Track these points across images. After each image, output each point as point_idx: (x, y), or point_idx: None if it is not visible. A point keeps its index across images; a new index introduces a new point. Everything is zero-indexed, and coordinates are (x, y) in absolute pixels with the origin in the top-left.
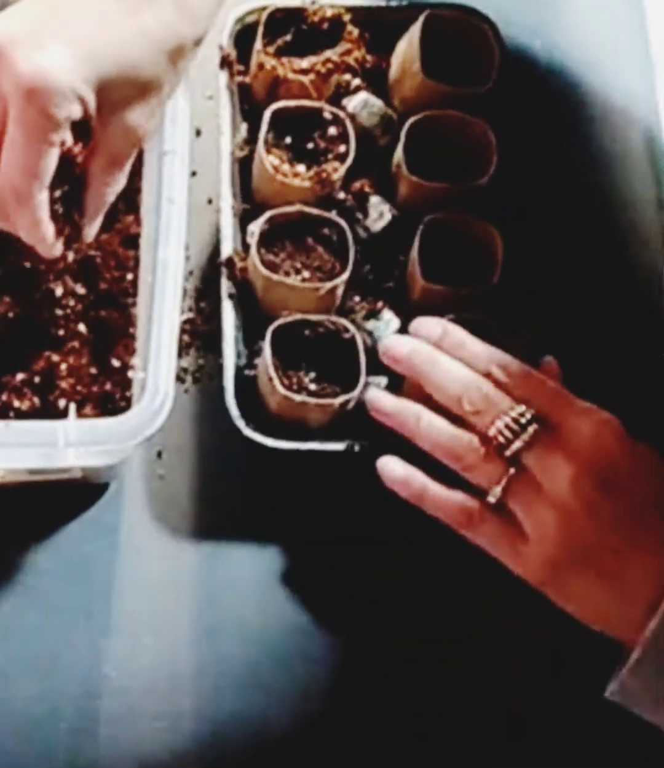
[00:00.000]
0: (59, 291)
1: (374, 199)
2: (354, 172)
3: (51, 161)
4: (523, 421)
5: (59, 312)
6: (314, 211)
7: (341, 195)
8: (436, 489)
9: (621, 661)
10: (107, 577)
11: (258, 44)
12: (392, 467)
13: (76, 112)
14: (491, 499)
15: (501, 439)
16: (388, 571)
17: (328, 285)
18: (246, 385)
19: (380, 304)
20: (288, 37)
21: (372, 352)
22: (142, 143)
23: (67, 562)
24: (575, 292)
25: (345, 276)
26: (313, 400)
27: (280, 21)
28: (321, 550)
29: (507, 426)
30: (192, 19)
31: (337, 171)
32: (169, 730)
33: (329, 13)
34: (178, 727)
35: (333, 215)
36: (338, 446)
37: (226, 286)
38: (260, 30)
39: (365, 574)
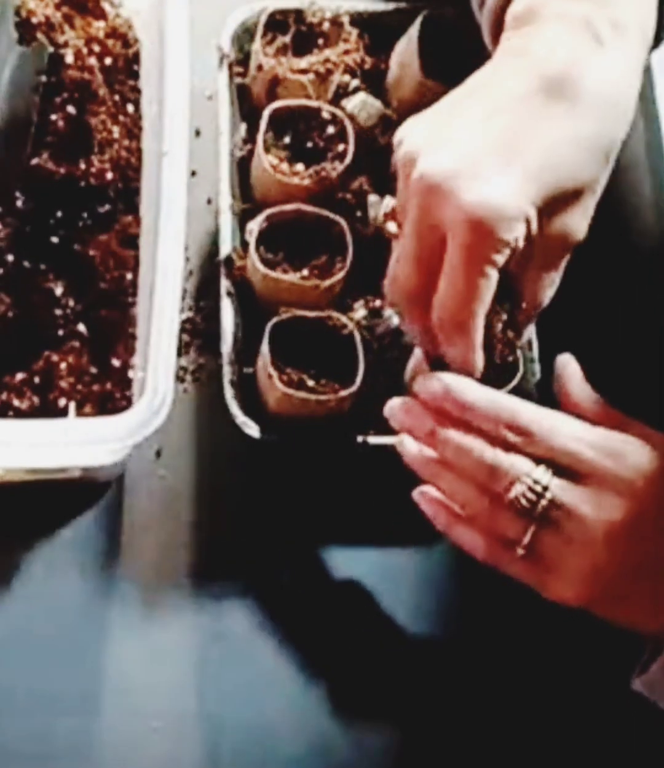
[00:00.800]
0: (59, 291)
1: (373, 198)
2: (353, 171)
3: (492, 284)
4: (541, 486)
5: (59, 312)
6: (313, 209)
7: (340, 194)
8: (459, 529)
9: (648, 654)
10: (107, 577)
11: (257, 45)
12: (422, 502)
13: (521, 232)
14: (519, 552)
15: (521, 504)
16: (390, 569)
17: (327, 282)
18: (245, 383)
19: (378, 301)
20: (287, 38)
21: (370, 348)
22: (577, 244)
23: (68, 561)
24: (573, 293)
25: (343, 273)
26: (312, 397)
27: (279, 22)
28: (322, 549)
29: (525, 494)
30: (619, 115)
31: (335, 170)
32: (170, 730)
33: (328, 14)
34: (178, 727)
35: (331, 214)
36: (338, 442)
37: (225, 284)
38: (259, 30)
39: (367, 572)
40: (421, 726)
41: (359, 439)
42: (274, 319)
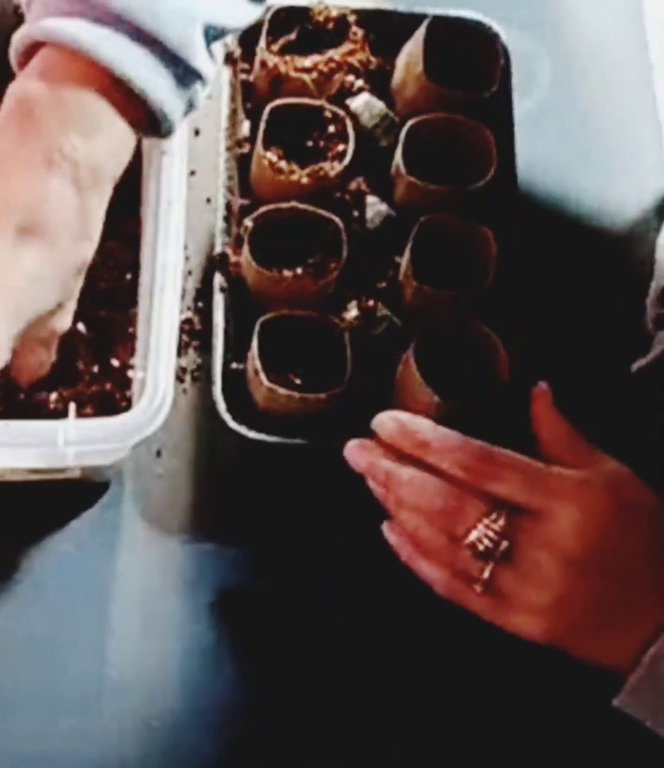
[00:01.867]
0: None
1: (371, 199)
2: (352, 171)
3: None
4: (498, 527)
5: None
6: (309, 207)
7: (338, 193)
8: (422, 564)
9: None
10: (107, 577)
11: (262, 42)
12: (388, 532)
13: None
14: (477, 588)
15: (480, 547)
16: (390, 568)
17: (320, 282)
18: (237, 380)
19: (372, 302)
20: (292, 36)
21: (360, 349)
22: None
23: (68, 561)
24: (570, 297)
25: (336, 273)
26: (298, 395)
27: (284, 20)
28: (322, 549)
29: (485, 535)
30: (85, 236)
31: (334, 169)
32: (169, 730)
33: (334, 13)
34: (178, 727)
35: (328, 213)
36: (324, 442)
37: (218, 280)
38: (264, 28)
39: (367, 572)
40: (420, 726)
41: (343, 439)
42: (265, 317)
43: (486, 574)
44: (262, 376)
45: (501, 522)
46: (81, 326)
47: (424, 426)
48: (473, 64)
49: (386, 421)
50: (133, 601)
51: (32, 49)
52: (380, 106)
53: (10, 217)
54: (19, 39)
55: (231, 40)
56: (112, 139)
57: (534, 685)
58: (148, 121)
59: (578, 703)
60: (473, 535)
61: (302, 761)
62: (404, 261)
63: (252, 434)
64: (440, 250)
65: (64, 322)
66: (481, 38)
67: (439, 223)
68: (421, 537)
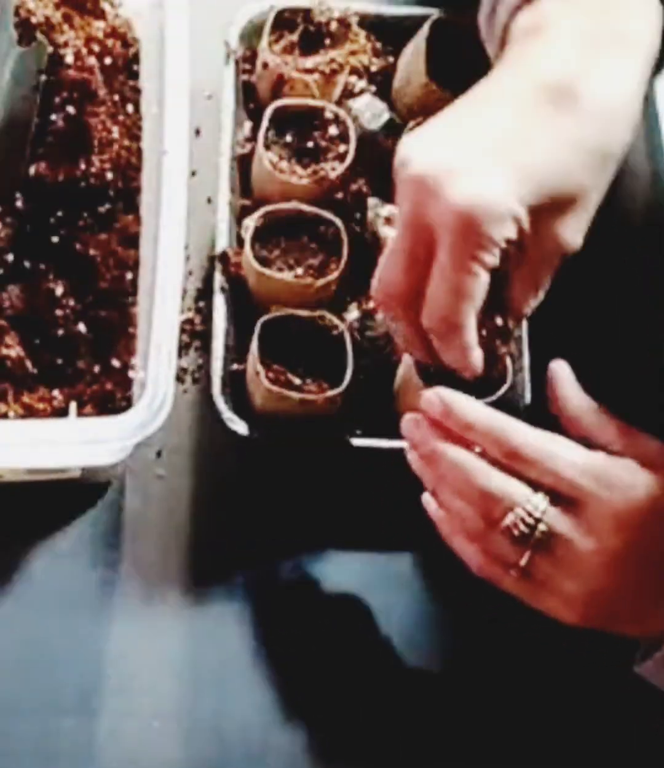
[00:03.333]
0: (59, 291)
1: (372, 201)
2: (354, 172)
3: (483, 283)
4: (538, 512)
5: (59, 312)
6: (310, 208)
7: (339, 194)
8: (460, 542)
9: (645, 646)
10: (107, 578)
11: (264, 42)
12: (428, 506)
13: (512, 232)
14: (513, 574)
15: (517, 531)
16: (389, 569)
17: (320, 282)
18: (237, 380)
19: (371, 303)
20: (294, 37)
21: (360, 350)
22: (568, 254)
23: (68, 561)
24: (570, 299)
25: (337, 274)
26: (296, 395)
27: (287, 20)
28: (322, 549)
29: (522, 520)
30: (620, 125)
31: (335, 170)
32: (169, 730)
33: (337, 14)
34: (178, 727)
35: (329, 214)
36: (323, 441)
37: (218, 279)
38: (267, 28)
39: (367, 572)
40: (420, 725)
41: (343, 440)
42: (265, 317)
43: (523, 561)
44: (262, 376)
45: (540, 508)
46: (81, 326)
47: (470, 407)
48: (475, 66)
49: (433, 400)
50: (133, 601)
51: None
52: (381, 107)
53: (545, 90)
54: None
55: (234, 40)
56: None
57: (539, 682)
58: None
59: (586, 711)
60: (508, 520)
61: (304, 762)
62: (406, 357)
63: (251, 434)
64: None
65: (573, 233)
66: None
67: None
68: (458, 518)
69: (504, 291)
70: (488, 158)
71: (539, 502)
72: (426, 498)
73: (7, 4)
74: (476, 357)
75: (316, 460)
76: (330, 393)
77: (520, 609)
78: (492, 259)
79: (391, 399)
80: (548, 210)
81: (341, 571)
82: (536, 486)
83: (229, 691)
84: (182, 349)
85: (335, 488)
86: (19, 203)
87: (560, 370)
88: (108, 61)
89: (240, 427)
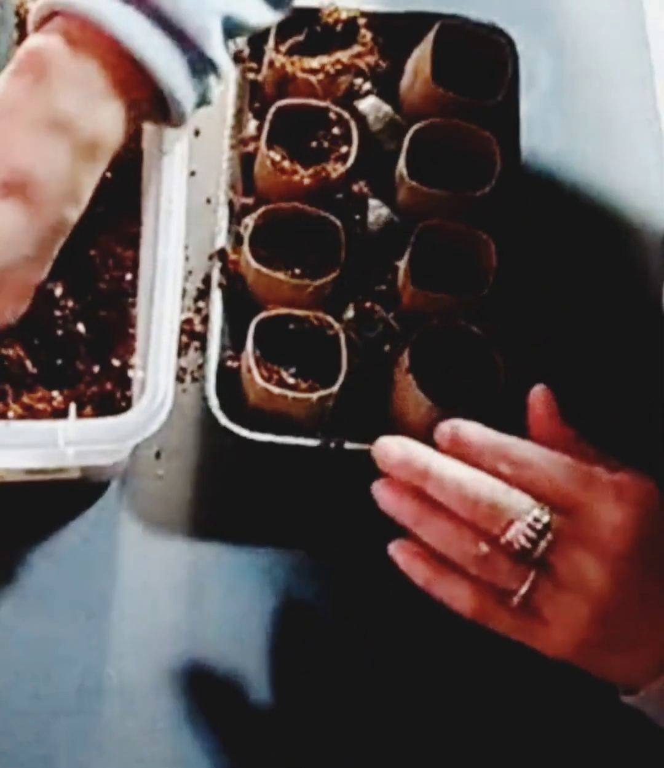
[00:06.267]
0: (59, 291)
1: (373, 202)
2: (356, 173)
3: None
4: (541, 525)
5: (59, 312)
6: (310, 208)
7: (340, 195)
8: (443, 584)
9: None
10: (107, 577)
11: (270, 42)
12: (396, 553)
13: None
14: (514, 602)
15: (518, 545)
16: (389, 569)
17: (317, 282)
18: (232, 378)
19: (369, 305)
20: (301, 37)
21: (355, 350)
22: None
23: (67, 562)
24: (572, 301)
25: (335, 274)
26: (289, 394)
27: (294, 20)
28: (322, 549)
29: (524, 533)
30: (71, 200)
31: (337, 171)
32: (169, 730)
33: (344, 15)
34: (178, 728)
35: (329, 214)
36: (313, 442)
37: (216, 277)
38: (273, 28)
39: (367, 573)
40: (420, 724)
41: (333, 442)
42: (261, 315)
43: (526, 586)
44: (256, 374)
45: (545, 518)
46: (81, 326)
47: (464, 425)
48: (482, 69)
49: (444, 430)
50: (133, 601)
51: (50, 18)
52: (386, 109)
53: (5, 174)
54: (38, 8)
55: (241, 39)
56: (116, 113)
57: (534, 692)
58: (158, 103)
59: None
60: (513, 531)
61: (304, 762)
62: (403, 265)
63: (247, 433)
64: (440, 255)
65: (36, 275)
66: (491, 43)
67: (439, 228)
68: (449, 546)
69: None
70: None
71: (542, 512)
72: (394, 546)
73: (8, 4)
74: None
75: (316, 460)
76: (323, 392)
77: None
78: None
79: (385, 401)
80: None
81: (340, 570)
82: (536, 498)
83: (229, 692)
84: (182, 349)
85: (337, 488)
86: None
87: (541, 398)
88: None
89: (233, 425)
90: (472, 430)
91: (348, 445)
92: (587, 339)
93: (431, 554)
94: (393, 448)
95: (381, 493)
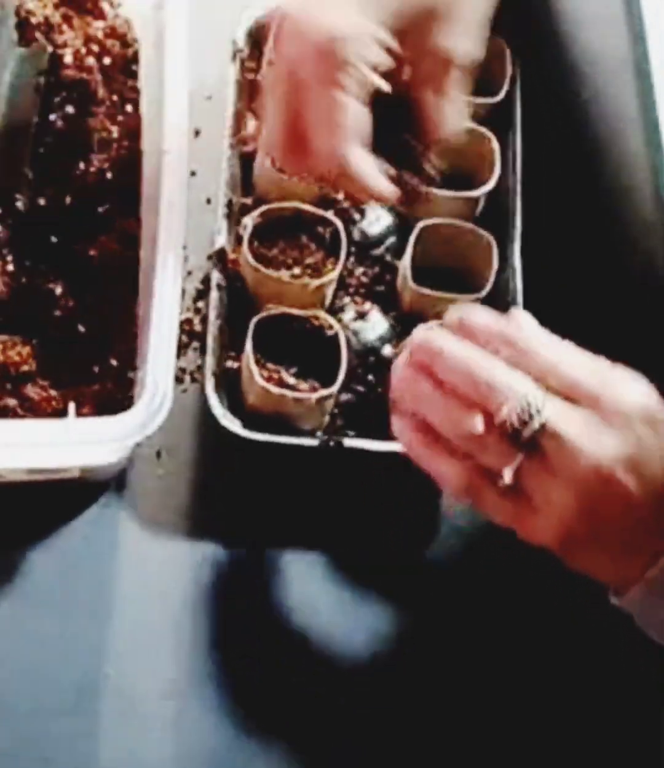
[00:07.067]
0: (59, 291)
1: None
2: None
3: (354, 111)
4: (534, 405)
5: (59, 312)
6: (310, 208)
7: (340, 195)
8: (437, 461)
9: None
10: (107, 577)
11: (270, 42)
12: (397, 425)
13: (376, 55)
14: (502, 484)
15: (510, 425)
16: (388, 569)
17: (316, 282)
18: (231, 378)
19: (368, 305)
20: None
21: (354, 350)
22: (459, 62)
23: (67, 561)
24: (571, 302)
25: (334, 274)
26: (290, 394)
27: None
28: (322, 549)
29: (517, 413)
30: None
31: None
32: (169, 730)
33: None
34: (178, 728)
35: (329, 214)
36: (313, 442)
37: (215, 276)
38: (273, 28)
39: (367, 573)
40: (419, 723)
41: (332, 442)
42: (260, 315)
43: (514, 465)
44: (256, 374)
45: (540, 400)
46: (81, 326)
47: (472, 313)
48: (481, 69)
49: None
50: (133, 601)
51: None
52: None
53: None
54: None
55: (239, 38)
56: None
57: (537, 697)
58: None
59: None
60: (507, 410)
61: (304, 762)
62: (402, 265)
63: (246, 433)
64: (440, 255)
65: (455, 42)
66: (491, 43)
67: (439, 228)
68: (446, 422)
69: (419, 113)
70: None
71: (539, 394)
72: (397, 421)
73: (8, 4)
74: (379, 184)
75: (315, 459)
76: (323, 392)
77: (518, 610)
78: (356, 85)
79: (385, 400)
80: (418, 26)
81: (339, 569)
82: (540, 384)
83: (229, 692)
84: (181, 349)
85: (337, 488)
86: (19, 203)
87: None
88: (107, 61)
89: (233, 424)
90: (479, 318)
91: (348, 445)
92: (588, 338)
93: (419, 434)
94: (418, 330)
95: (398, 370)
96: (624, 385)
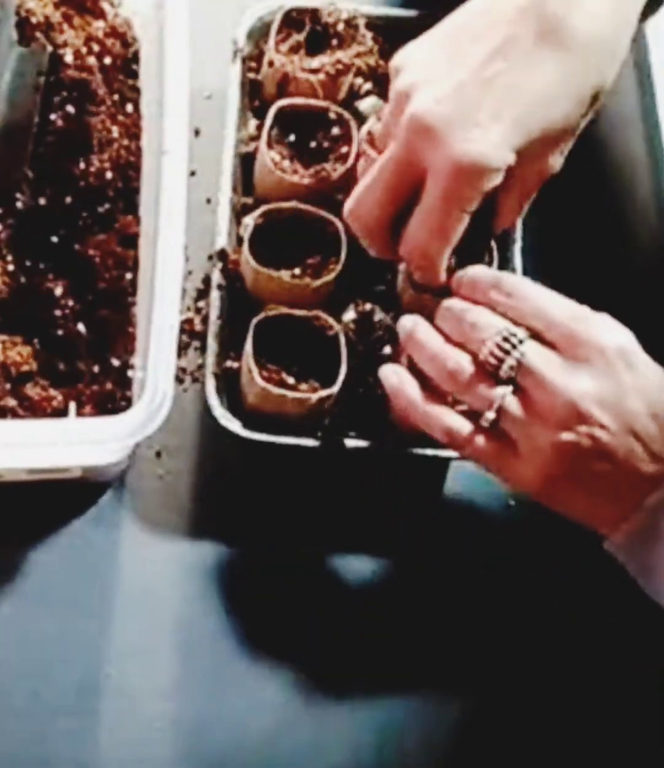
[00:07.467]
0: (59, 291)
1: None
2: (354, 173)
3: (464, 225)
4: (513, 341)
5: (59, 312)
6: (310, 208)
7: (340, 195)
8: (426, 405)
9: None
10: (107, 577)
11: (271, 41)
12: (388, 374)
13: (500, 179)
14: (484, 423)
15: (492, 360)
16: (388, 570)
17: (317, 282)
18: (232, 378)
19: (368, 305)
20: (301, 37)
21: (356, 351)
22: (552, 175)
23: (68, 561)
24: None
25: (334, 274)
26: (290, 394)
27: (295, 20)
28: (322, 549)
29: (498, 346)
30: (608, 60)
31: (337, 171)
32: (169, 730)
33: (345, 15)
34: (178, 728)
35: (329, 214)
36: (313, 442)
37: (216, 277)
38: (274, 27)
39: (367, 574)
40: (419, 723)
41: (333, 442)
42: (260, 315)
43: (497, 403)
44: (256, 374)
45: (519, 335)
46: (81, 326)
47: (471, 268)
48: None
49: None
50: (133, 601)
51: None
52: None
53: (537, 21)
54: None
55: (241, 38)
56: None
57: (538, 698)
58: None
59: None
60: (487, 346)
61: (305, 761)
62: (402, 266)
63: (246, 433)
64: None
65: (556, 161)
66: None
67: None
68: (431, 365)
69: (494, 206)
70: (488, 109)
71: (519, 332)
72: (386, 371)
73: (8, 4)
74: (443, 277)
75: (316, 460)
76: (323, 393)
77: (518, 610)
78: (477, 204)
79: (385, 400)
80: (535, 148)
81: (339, 570)
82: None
83: (229, 693)
84: (181, 349)
85: (337, 488)
86: (19, 203)
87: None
88: (108, 60)
89: (233, 425)
90: (474, 269)
91: (348, 445)
92: None
93: (412, 382)
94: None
95: (405, 318)
96: (603, 326)
